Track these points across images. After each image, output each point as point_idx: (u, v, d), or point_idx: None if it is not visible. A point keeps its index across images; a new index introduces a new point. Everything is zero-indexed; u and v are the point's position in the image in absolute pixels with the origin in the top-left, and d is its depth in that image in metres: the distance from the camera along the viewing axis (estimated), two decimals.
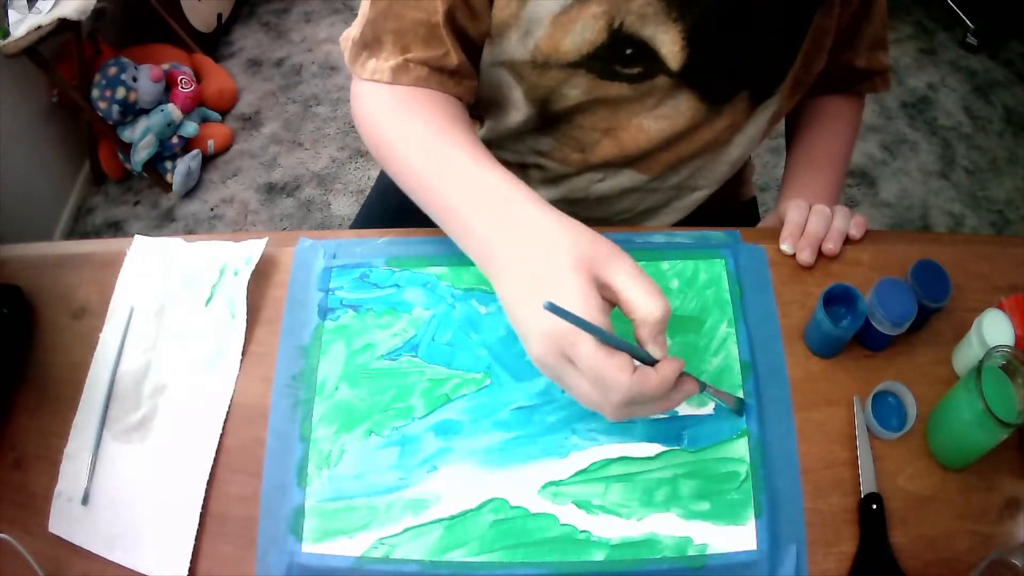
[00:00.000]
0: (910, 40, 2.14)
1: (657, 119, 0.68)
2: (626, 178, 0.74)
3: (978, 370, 0.52)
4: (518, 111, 0.70)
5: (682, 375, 0.49)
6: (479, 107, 0.77)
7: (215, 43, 2.18)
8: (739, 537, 0.55)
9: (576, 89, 0.65)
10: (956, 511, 0.56)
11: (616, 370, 0.44)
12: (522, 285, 0.48)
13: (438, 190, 0.56)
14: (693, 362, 0.61)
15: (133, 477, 0.59)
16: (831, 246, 0.66)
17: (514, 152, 0.77)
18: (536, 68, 0.64)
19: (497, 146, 0.77)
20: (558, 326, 0.44)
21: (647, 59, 0.62)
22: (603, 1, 0.59)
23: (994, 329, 0.57)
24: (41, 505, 0.59)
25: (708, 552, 0.54)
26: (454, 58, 0.62)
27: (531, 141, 0.74)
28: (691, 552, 0.54)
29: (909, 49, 2.12)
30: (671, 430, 0.59)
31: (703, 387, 0.53)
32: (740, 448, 0.58)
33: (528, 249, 0.49)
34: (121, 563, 0.56)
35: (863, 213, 0.71)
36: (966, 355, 0.60)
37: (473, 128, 0.62)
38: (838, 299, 0.60)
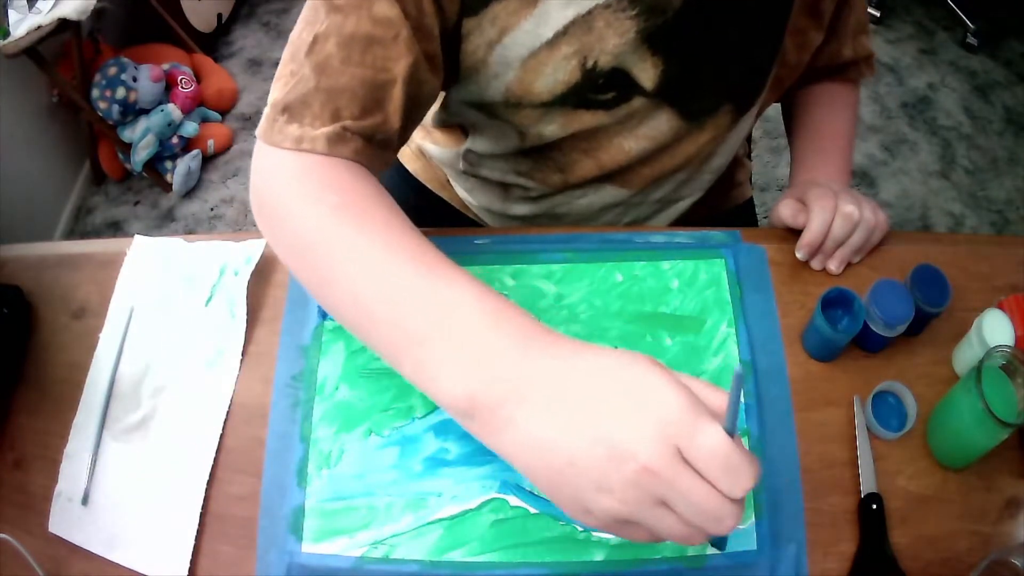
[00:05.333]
0: (910, 40, 2.14)
1: (638, 139, 0.66)
2: (608, 194, 0.73)
3: (978, 370, 0.52)
4: (492, 135, 0.69)
5: None
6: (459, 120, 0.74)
7: (215, 43, 2.18)
8: (739, 537, 0.55)
9: (552, 124, 0.63)
10: (956, 511, 0.56)
11: (744, 452, 0.35)
12: (584, 409, 0.39)
13: (396, 320, 0.46)
14: (693, 362, 0.61)
15: (133, 477, 0.59)
16: (833, 267, 0.65)
17: (495, 170, 0.75)
18: (509, 107, 0.62)
19: (478, 164, 0.75)
20: (668, 418, 0.37)
21: (621, 85, 0.60)
22: (573, 42, 0.55)
23: (994, 329, 0.57)
24: (41, 505, 0.59)
25: (708, 552, 0.54)
26: (395, 122, 0.54)
27: (512, 163, 0.72)
28: (691, 552, 0.54)
29: (909, 49, 2.12)
30: None
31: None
32: None
33: (579, 372, 0.40)
34: (121, 563, 0.56)
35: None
36: (966, 355, 0.60)
37: (402, 216, 0.52)
38: (835, 302, 0.60)
